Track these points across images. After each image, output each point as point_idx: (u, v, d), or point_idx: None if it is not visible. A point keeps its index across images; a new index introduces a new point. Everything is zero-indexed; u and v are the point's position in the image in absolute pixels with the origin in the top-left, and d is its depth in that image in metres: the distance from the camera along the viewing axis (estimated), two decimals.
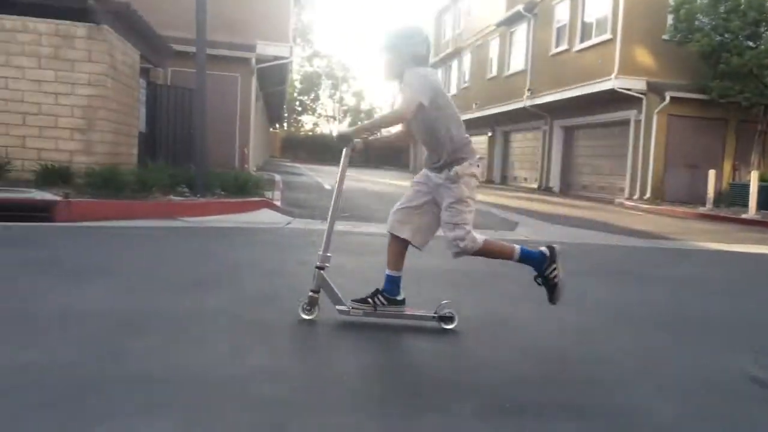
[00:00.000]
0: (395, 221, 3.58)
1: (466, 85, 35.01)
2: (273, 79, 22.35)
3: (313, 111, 65.41)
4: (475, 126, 31.19)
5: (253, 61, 17.66)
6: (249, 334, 3.30)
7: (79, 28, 9.52)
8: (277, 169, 27.56)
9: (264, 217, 9.08)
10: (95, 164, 9.42)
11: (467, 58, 35.08)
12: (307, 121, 65.86)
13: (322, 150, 50.05)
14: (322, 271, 3.54)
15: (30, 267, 4.61)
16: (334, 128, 61.67)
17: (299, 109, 63.63)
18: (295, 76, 57.21)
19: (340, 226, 8.41)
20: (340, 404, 2.45)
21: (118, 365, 2.71)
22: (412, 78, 3.32)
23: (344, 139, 3.50)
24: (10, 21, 9.31)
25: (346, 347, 3.22)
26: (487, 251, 3.49)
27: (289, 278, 4.82)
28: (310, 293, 3.56)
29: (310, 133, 60.87)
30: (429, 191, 3.55)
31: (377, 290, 3.65)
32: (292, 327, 3.48)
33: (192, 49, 10.08)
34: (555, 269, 3.51)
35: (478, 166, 3.46)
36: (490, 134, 31.88)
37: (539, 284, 3.59)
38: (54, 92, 9.55)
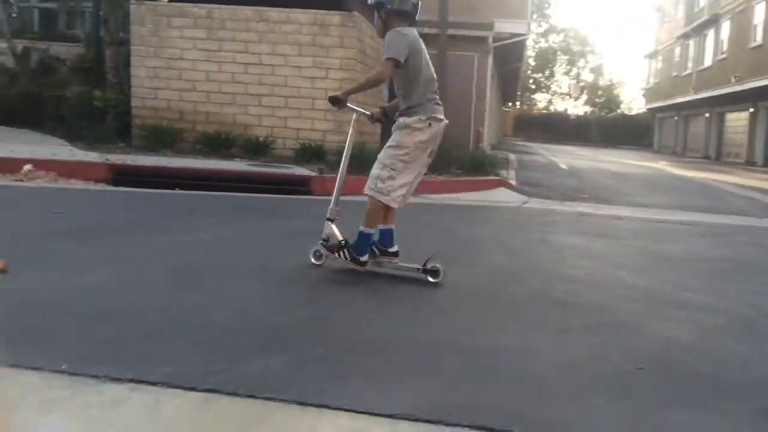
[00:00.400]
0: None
1: (723, 56, 31.47)
2: (509, 57, 22.13)
3: (547, 88, 63.62)
4: (731, 101, 27.93)
5: (490, 39, 17.63)
6: (494, 309, 3.35)
7: (333, 17, 10.28)
8: (511, 148, 27.38)
9: (500, 196, 9.10)
10: (344, 142, 10.16)
11: (725, 26, 31.47)
12: (541, 99, 64.28)
13: (556, 129, 48.60)
14: (331, 223, 4.01)
15: (296, 236, 5.13)
16: (569, 106, 59.39)
17: (533, 87, 62.31)
18: (530, 53, 56.04)
19: (580, 207, 8.13)
20: (601, 388, 2.40)
21: (369, 330, 2.92)
22: (391, 38, 3.64)
23: (335, 101, 3.88)
24: (276, 13, 10.37)
25: (577, 329, 3.13)
26: (377, 208, 3.82)
27: (529, 256, 4.79)
28: (321, 241, 4.01)
29: (544, 112, 59.35)
30: None
31: (373, 242, 3.92)
32: (540, 306, 3.46)
33: (431, 30, 10.36)
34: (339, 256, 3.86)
35: (429, 124, 3.73)
36: (751, 110, 28.37)
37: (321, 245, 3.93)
38: (311, 77, 10.46)
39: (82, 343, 2.52)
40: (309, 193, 8.09)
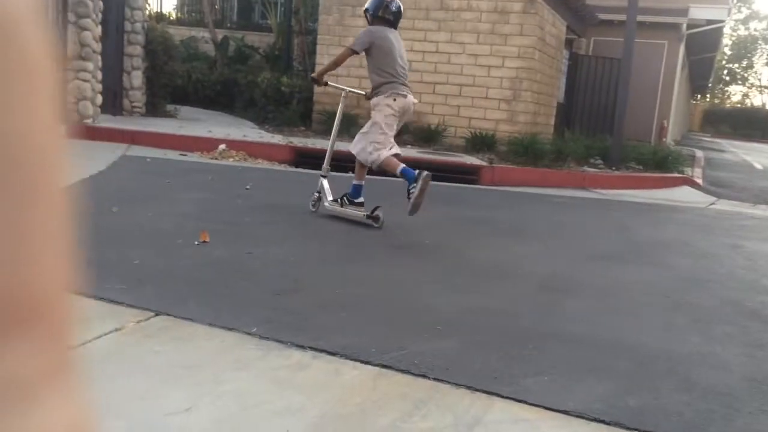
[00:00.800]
0: (353, 144, 4.90)
1: None
2: (702, 46, 20.42)
3: (744, 80, 57.93)
4: None
5: (684, 26, 16.38)
6: (679, 314, 3.15)
7: (515, 4, 10.10)
8: (697, 144, 25.34)
9: (683, 194, 8.48)
10: (517, 133, 9.99)
11: None
12: (735, 92, 58.70)
13: (751, 125, 44.14)
14: (324, 179, 4.89)
15: (468, 222, 5.16)
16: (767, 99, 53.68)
17: (726, 78, 57.05)
18: (726, 41, 51.30)
19: (726, 206, 7.39)
20: None
21: (549, 323, 2.87)
22: (360, 33, 4.91)
23: (313, 80, 5.38)
24: (457, 1, 10.38)
25: None
26: (384, 166, 4.62)
27: (718, 262, 4.43)
28: (315, 194, 4.89)
29: (738, 106, 54.16)
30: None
31: (344, 194, 4.88)
32: (730, 316, 3.20)
33: (618, 17, 9.83)
34: (414, 187, 4.35)
35: (394, 99, 4.70)
36: None
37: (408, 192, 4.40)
38: (487, 65, 10.37)
39: (270, 309, 2.73)
40: (477, 182, 8.06)
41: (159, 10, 17.37)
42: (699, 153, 17.58)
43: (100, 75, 8.27)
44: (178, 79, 11.64)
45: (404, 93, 4.78)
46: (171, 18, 17.63)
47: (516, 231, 4.96)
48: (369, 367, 2.25)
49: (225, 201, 5.10)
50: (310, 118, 11.20)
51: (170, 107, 10.97)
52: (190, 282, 2.99)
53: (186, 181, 5.77)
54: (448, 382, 2.17)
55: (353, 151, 4.86)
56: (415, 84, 10.72)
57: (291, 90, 11.23)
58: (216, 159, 7.58)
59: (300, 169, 7.76)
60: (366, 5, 5.01)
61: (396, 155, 4.74)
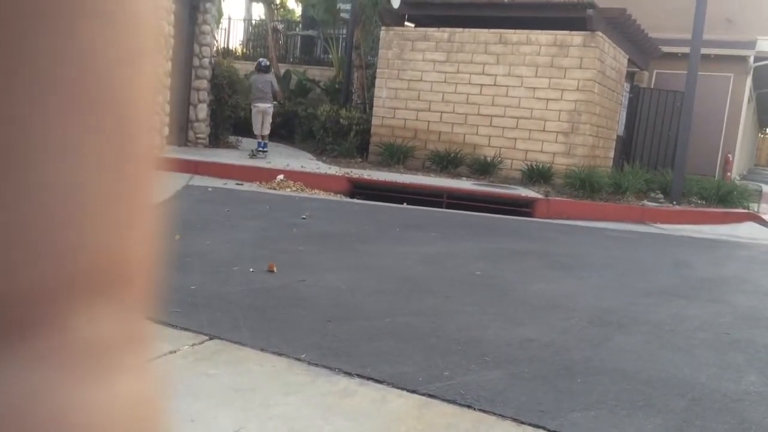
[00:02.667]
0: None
1: None
2: None
3: None
4: None
5: (751, 59, 15.97)
6: (737, 352, 3.05)
7: (575, 37, 10.08)
8: (764, 179, 24.43)
9: (747, 231, 8.19)
10: (574, 166, 9.89)
11: None
12: None
13: None
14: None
15: (521, 255, 5.13)
16: None
17: None
18: None
19: None
20: None
21: (600, 357, 2.83)
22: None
23: None
24: (516, 35, 10.44)
25: None
26: None
27: None
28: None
29: None
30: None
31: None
32: None
33: (681, 49, 9.68)
34: None
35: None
36: None
37: None
38: (545, 98, 10.35)
39: (320, 336, 2.79)
40: (532, 215, 8.00)
41: (226, 46, 18.06)
42: (766, 188, 16.95)
43: (167, 108, 8.64)
44: (240, 112, 12.03)
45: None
46: (237, 53, 18.29)
47: (570, 264, 4.90)
48: (415, 396, 2.26)
49: (281, 230, 5.23)
50: (367, 150, 11.38)
51: (232, 138, 11.33)
52: (244, 308, 3.08)
53: (244, 210, 5.94)
54: (494, 414, 2.17)
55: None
56: (473, 116, 10.81)
57: (349, 122, 11.45)
58: (274, 189, 7.78)
59: (355, 200, 7.88)
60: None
61: None
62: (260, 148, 9.80)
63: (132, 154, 0.28)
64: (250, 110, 10.18)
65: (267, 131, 10.04)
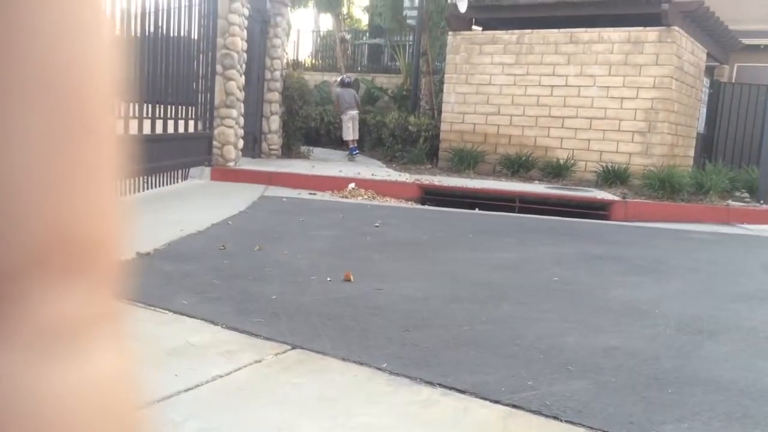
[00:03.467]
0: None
1: None
2: None
3: None
4: None
5: None
6: None
7: (650, 33, 9.77)
8: None
9: None
10: (652, 166, 9.56)
11: None
12: None
13: None
14: None
15: (600, 260, 4.99)
16: None
17: None
18: None
19: None
20: None
21: (690, 366, 2.71)
22: None
23: None
24: (587, 34, 10.21)
25: None
26: None
27: None
28: None
29: None
30: None
31: None
32: None
33: (763, 41, 9.22)
34: None
35: None
36: None
37: None
38: (620, 97, 10.07)
39: (399, 345, 2.79)
40: (608, 217, 7.78)
41: (295, 58, 18.43)
42: None
43: (242, 121, 8.89)
44: (311, 122, 12.24)
45: None
46: (306, 65, 18.64)
47: (652, 268, 4.74)
48: (498, 406, 2.23)
49: (355, 238, 5.28)
50: (436, 156, 11.36)
51: (304, 149, 11.54)
52: (323, 317, 3.12)
53: (318, 220, 6.03)
54: (582, 426, 2.11)
55: None
56: (543, 118, 10.63)
57: (418, 129, 11.46)
58: (346, 197, 7.86)
59: (427, 206, 7.87)
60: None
61: None
62: (354, 153, 11.26)
63: (88, 133, 0.27)
64: (321, 120, 11.41)
65: (357, 135, 11.44)
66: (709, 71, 13.20)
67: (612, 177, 9.70)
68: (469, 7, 11.11)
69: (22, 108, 0.25)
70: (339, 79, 12.24)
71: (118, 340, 0.29)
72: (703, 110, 12.69)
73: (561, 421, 2.14)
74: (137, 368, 0.30)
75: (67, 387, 0.27)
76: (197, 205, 6.33)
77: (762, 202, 8.66)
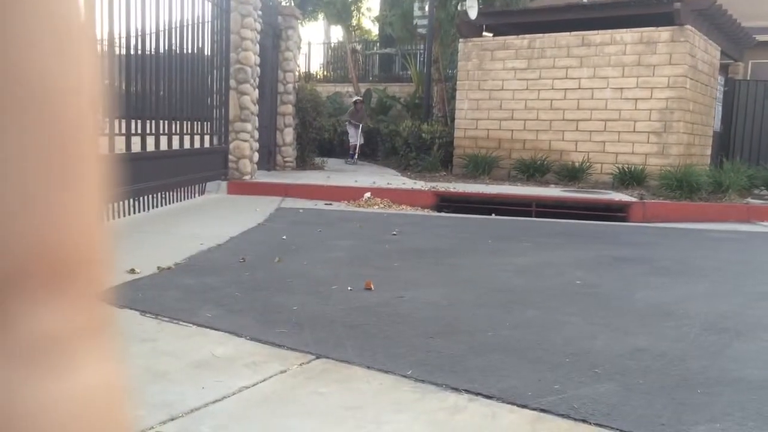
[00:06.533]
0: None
1: None
2: None
3: None
4: None
5: None
6: None
7: (662, 33, 9.72)
8: None
9: None
10: (669, 166, 9.49)
11: None
12: None
13: None
14: None
15: (621, 262, 4.96)
16: None
17: None
18: None
19: None
20: None
21: (720, 366, 2.68)
22: None
23: None
24: (599, 36, 10.18)
25: None
26: None
27: None
28: None
29: None
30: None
31: None
32: None
33: None
34: None
35: None
36: None
37: None
38: (634, 98, 10.02)
39: (424, 352, 2.78)
40: (625, 219, 7.73)
41: (307, 70, 18.54)
42: None
43: (257, 134, 8.95)
44: (325, 133, 12.29)
45: None
46: (318, 77, 18.75)
47: (675, 269, 4.69)
48: (526, 411, 2.22)
49: (374, 247, 5.28)
50: (451, 163, 11.35)
51: (318, 160, 11.59)
52: (346, 326, 3.12)
53: (336, 230, 6.04)
54: (612, 428, 2.09)
55: None
56: (557, 122, 10.60)
57: (432, 136, 11.47)
58: (362, 207, 7.87)
59: (443, 213, 7.85)
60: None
61: None
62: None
63: (71, 148, 0.27)
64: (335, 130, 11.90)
65: (362, 141, 12.98)
66: (724, 69, 13.11)
67: (628, 178, 9.64)
68: (480, 13, 11.13)
69: (5, 122, 0.25)
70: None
71: (105, 353, 0.29)
72: (719, 108, 12.59)
73: (590, 423, 2.12)
74: (123, 382, 0.30)
75: (52, 401, 0.26)
76: (215, 219, 6.37)
77: None
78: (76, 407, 0.27)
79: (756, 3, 13.88)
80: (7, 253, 0.25)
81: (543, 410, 2.21)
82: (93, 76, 0.28)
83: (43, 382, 0.26)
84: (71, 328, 0.27)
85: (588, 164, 10.24)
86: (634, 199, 8.23)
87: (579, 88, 10.37)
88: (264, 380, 2.44)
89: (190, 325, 3.04)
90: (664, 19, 9.62)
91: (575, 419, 2.15)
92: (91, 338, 0.28)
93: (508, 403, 2.27)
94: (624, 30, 9.94)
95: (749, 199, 8.60)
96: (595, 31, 10.15)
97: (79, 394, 0.27)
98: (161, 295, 3.48)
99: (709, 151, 11.77)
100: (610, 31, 10.04)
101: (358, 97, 13.69)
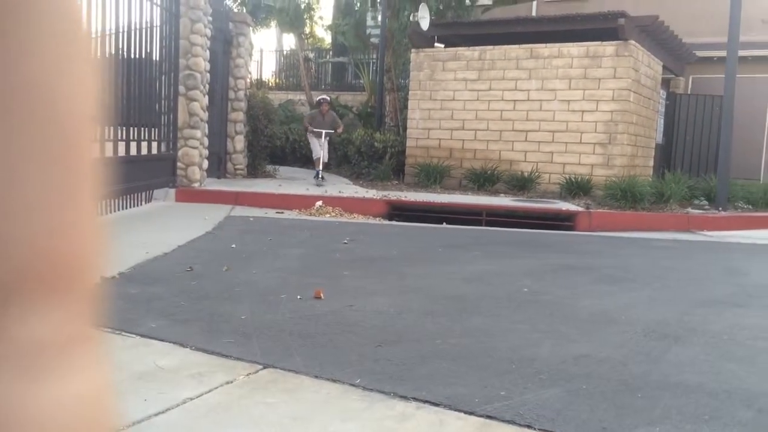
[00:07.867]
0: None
1: None
2: None
3: None
4: None
5: None
6: None
7: (607, 47, 10.00)
8: None
9: None
10: (614, 176, 9.75)
11: None
12: None
13: None
14: None
15: (568, 270, 5.06)
16: None
17: None
18: None
19: None
20: None
21: (659, 371, 2.76)
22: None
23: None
24: (547, 49, 10.40)
25: None
26: None
27: None
28: None
29: None
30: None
31: None
32: None
33: (717, 53, 9.53)
34: None
35: None
36: None
37: None
38: (580, 110, 10.27)
39: (372, 361, 2.78)
40: (572, 228, 7.90)
41: (259, 77, 18.41)
42: None
43: (206, 141, 8.82)
44: (276, 141, 12.20)
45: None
46: (270, 84, 18.63)
47: (618, 277, 4.82)
48: (473, 417, 2.24)
49: (324, 256, 5.26)
50: (403, 172, 11.41)
51: (270, 167, 11.49)
52: (295, 335, 3.10)
53: (287, 238, 6.00)
54: None
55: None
56: (507, 132, 10.77)
57: (384, 145, 11.51)
58: (313, 215, 7.84)
59: (394, 222, 7.88)
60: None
61: None
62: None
63: (71, 155, 0.27)
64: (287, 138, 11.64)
65: (326, 157, 11.26)
66: (666, 83, 13.57)
67: (575, 188, 9.86)
68: (431, 24, 11.25)
69: (8, 130, 0.25)
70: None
71: (95, 360, 0.29)
72: (661, 121, 13.01)
73: (535, 429, 2.15)
74: (112, 389, 0.30)
75: (43, 407, 0.26)
76: (162, 227, 6.24)
77: (720, 209, 8.88)
78: (65, 414, 0.27)
79: (696, 20, 14.43)
80: (8, 259, 0.26)
81: (489, 416, 2.24)
82: (92, 83, 0.28)
83: (36, 387, 0.26)
84: (65, 334, 0.27)
85: (537, 174, 10.43)
86: (580, 209, 8.41)
87: (528, 100, 10.57)
88: (210, 391, 2.40)
89: (133, 335, 2.97)
90: (610, 35, 9.90)
91: (521, 425, 2.18)
92: (82, 345, 0.28)
93: (456, 410, 2.29)
94: (571, 44, 10.20)
95: (689, 209, 8.89)
96: (544, 45, 10.38)
97: (68, 400, 0.27)
98: (104, 306, 3.38)
99: (651, 163, 12.13)
100: (557, 44, 10.28)
101: (324, 96, 11.45)
